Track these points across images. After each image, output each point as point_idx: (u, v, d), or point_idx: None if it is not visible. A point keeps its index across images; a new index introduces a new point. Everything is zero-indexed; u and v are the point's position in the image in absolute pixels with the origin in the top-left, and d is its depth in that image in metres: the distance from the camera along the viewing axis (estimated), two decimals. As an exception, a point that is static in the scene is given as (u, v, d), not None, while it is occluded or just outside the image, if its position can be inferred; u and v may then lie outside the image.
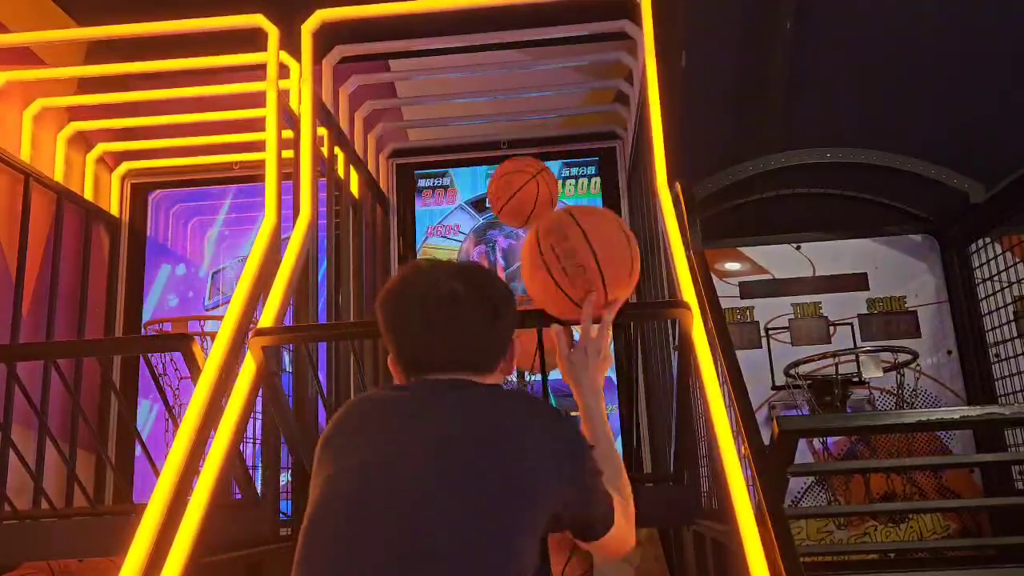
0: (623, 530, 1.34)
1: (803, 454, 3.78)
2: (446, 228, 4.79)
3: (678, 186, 2.84)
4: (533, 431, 1.22)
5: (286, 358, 3.03)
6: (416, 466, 1.16)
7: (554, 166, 4.77)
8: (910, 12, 3.97)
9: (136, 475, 4.15)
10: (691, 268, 2.44)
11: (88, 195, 4.43)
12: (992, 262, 3.73)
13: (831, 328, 3.97)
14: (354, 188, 3.98)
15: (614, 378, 4.48)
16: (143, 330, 4.48)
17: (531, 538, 1.15)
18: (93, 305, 4.40)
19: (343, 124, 3.98)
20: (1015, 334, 3.59)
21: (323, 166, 3.33)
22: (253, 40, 3.22)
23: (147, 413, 4.51)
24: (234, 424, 2.11)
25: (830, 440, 3.88)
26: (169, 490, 1.93)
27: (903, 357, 3.71)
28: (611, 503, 1.30)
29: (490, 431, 1.21)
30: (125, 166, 4.71)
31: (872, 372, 3.61)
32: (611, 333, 1.58)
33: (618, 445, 4.35)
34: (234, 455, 2.14)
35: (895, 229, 4.07)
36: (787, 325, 4.00)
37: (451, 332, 1.29)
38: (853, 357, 3.68)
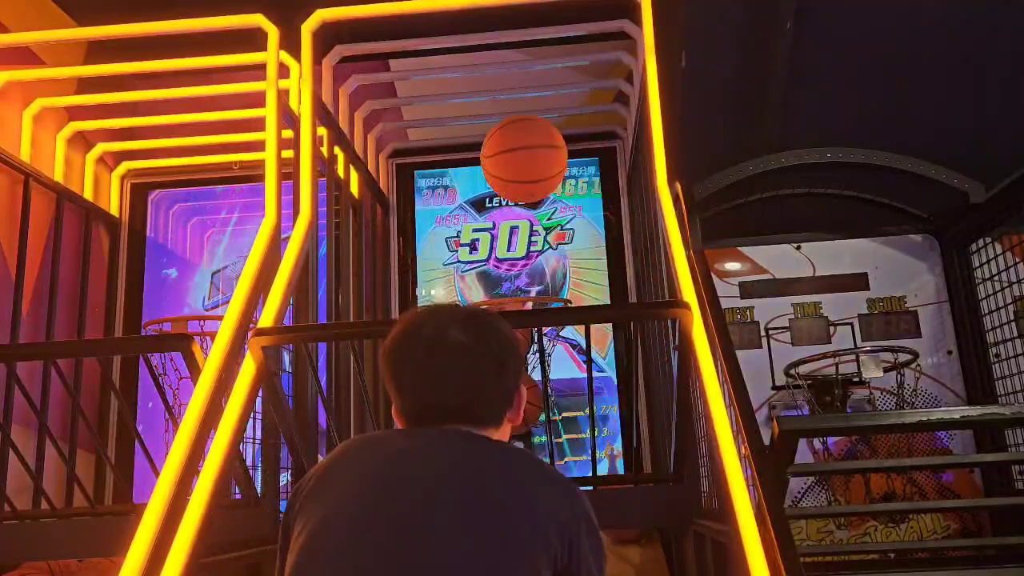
0: None
1: (803, 454, 3.78)
2: (446, 229, 4.79)
3: (678, 186, 2.84)
4: (544, 490, 1.19)
5: (286, 358, 3.03)
6: (412, 509, 1.13)
7: (554, 166, 4.77)
8: (910, 12, 3.96)
9: (136, 475, 4.14)
10: (691, 268, 2.45)
11: (88, 195, 4.43)
12: (992, 262, 3.73)
13: (831, 328, 3.97)
14: (354, 188, 3.98)
15: (614, 378, 4.48)
16: (143, 330, 4.47)
17: None
18: (93, 305, 4.40)
19: (343, 124, 3.98)
20: (1015, 334, 3.59)
21: (323, 166, 3.33)
22: (253, 40, 3.22)
23: (147, 413, 4.51)
24: (234, 424, 2.11)
25: (830, 440, 3.88)
26: (169, 490, 1.93)
27: (903, 357, 3.70)
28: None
29: (497, 490, 1.17)
30: (125, 166, 4.71)
31: (872, 372, 3.61)
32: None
33: (618, 445, 4.38)
34: (234, 455, 2.14)
35: (895, 229, 4.07)
36: (787, 325, 4.00)
37: (457, 382, 1.27)
38: (853, 357, 3.68)
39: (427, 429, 1.27)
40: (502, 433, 1.33)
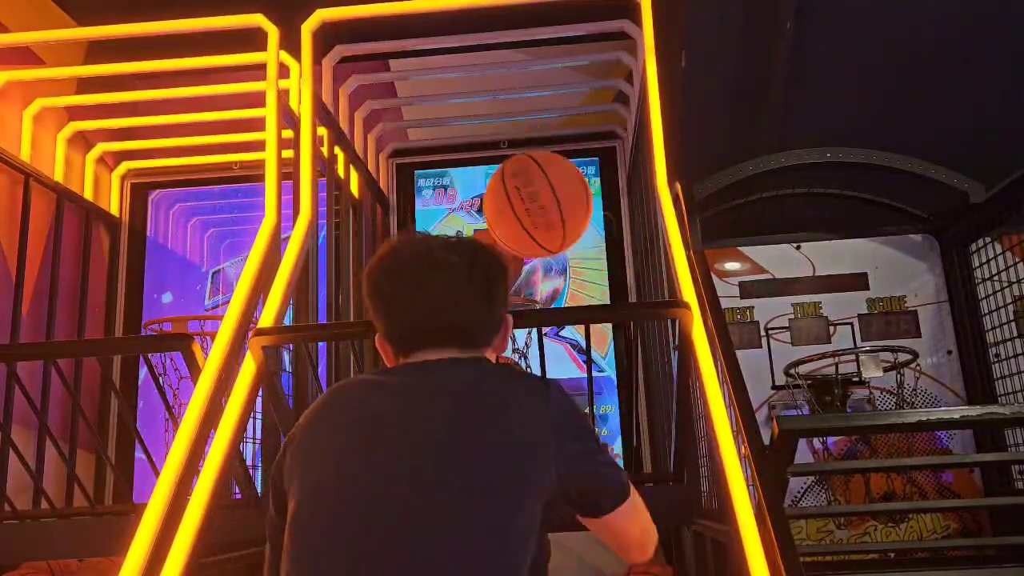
0: (641, 510, 1.27)
1: (803, 454, 3.78)
2: (446, 229, 4.79)
3: (678, 186, 2.84)
4: (528, 406, 1.18)
5: (286, 358, 3.03)
6: (405, 456, 1.13)
7: (554, 166, 4.77)
8: (910, 12, 3.96)
9: (136, 475, 4.14)
10: (691, 268, 2.44)
11: (88, 195, 4.43)
12: (992, 262, 3.73)
13: (831, 328, 3.97)
14: (354, 188, 3.98)
15: (614, 378, 4.48)
16: (143, 330, 4.48)
17: (529, 520, 1.12)
18: (93, 305, 4.39)
19: (343, 124, 3.98)
20: (1015, 334, 3.59)
21: (323, 166, 3.33)
22: (253, 40, 3.22)
23: (147, 415, 4.51)
24: (234, 424, 2.11)
25: (830, 440, 3.88)
26: (169, 490, 1.93)
27: (903, 357, 3.71)
28: (620, 478, 1.23)
29: (483, 412, 1.16)
30: (125, 166, 4.71)
31: (872, 372, 3.61)
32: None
33: (618, 445, 4.38)
34: (234, 455, 2.14)
35: (895, 229, 4.07)
36: (787, 325, 4.00)
37: (446, 303, 1.24)
38: (853, 357, 3.68)
39: (408, 367, 1.24)
40: (488, 357, 1.31)
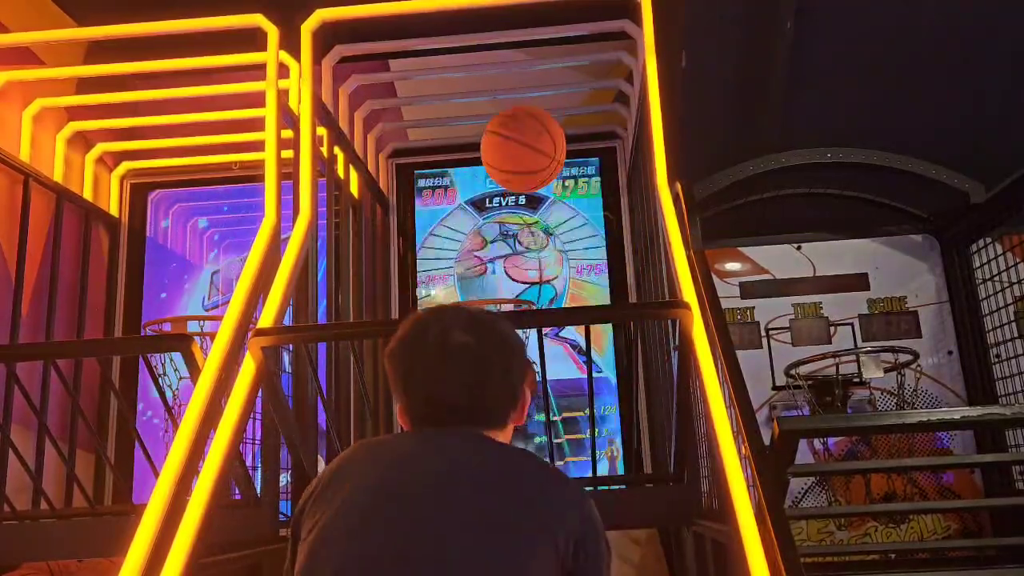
0: None
1: (803, 454, 3.78)
2: (446, 229, 4.79)
3: (678, 186, 2.84)
4: (552, 492, 1.20)
5: (286, 358, 3.03)
6: (422, 509, 1.14)
7: (554, 166, 4.77)
8: (910, 12, 3.96)
9: (136, 475, 4.14)
10: (691, 268, 2.44)
11: (88, 195, 4.43)
12: (992, 262, 3.73)
13: (831, 328, 3.97)
14: (354, 188, 3.98)
15: (613, 378, 4.48)
16: (143, 330, 4.47)
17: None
18: (93, 305, 4.39)
19: (343, 124, 3.98)
20: (1015, 334, 3.59)
21: (323, 166, 3.33)
22: (253, 40, 3.22)
23: (147, 414, 4.51)
24: (234, 424, 2.11)
25: (831, 440, 3.88)
26: (169, 490, 1.93)
27: (904, 357, 3.70)
28: None
29: (506, 481, 1.19)
30: (125, 166, 4.71)
31: (873, 372, 3.61)
32: None
33: (618, 445, 4.38)
34: (234, 455, 2.14)
35: (895, 229, 4.07)
36: (787, 325, 4.00)
37: (464, 383, 1.28)
38: (854, 357, 3.68)
39: (434, 431, 1.28)
40: (506, 435, 1.35)
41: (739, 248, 4.12)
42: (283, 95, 3.10)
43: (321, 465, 3.12)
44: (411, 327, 1.34)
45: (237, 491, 2.55)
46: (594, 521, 1.21)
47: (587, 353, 3.25)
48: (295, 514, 1.25)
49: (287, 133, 3.05)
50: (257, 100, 3.57)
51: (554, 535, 1.14)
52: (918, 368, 3.84)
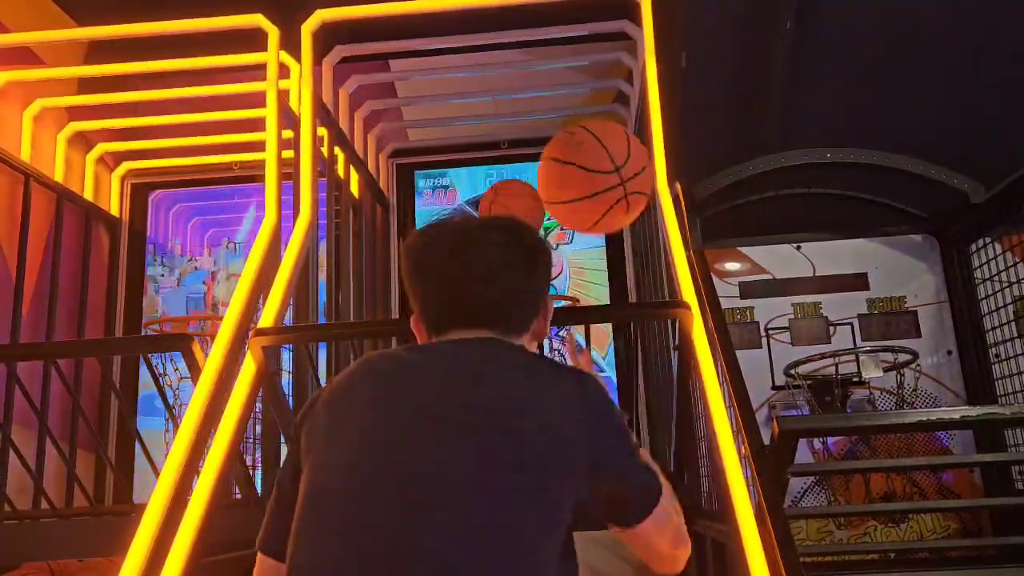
0: (675, 521, 1.17)
1: (803, 454, 3.78)
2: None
3: (678, 186, 2.84)
4: (561, 399, 1.11)
5: (286, 358, 3.03)
6: (428, 439, 1.07)
7: (554, 166, 4.77)
8: (910, 12, 3.97)
9: (136, 475, 4.15)
10: (691, 268, 2.44)
11: (88, 195, 4.43)
12: (992, 262, 3.72)
13: (831, 328, 3.97)
14: (354, 188, 3.98)
15: (614, 378, 4.48)
16: (143, 330, 4.48)
17: (558, 520, 1.06)
18: (93, 305, 4.39)
19: (343, 124, 3.98)
20: (1015, 334, 3.59)
21: (323, 166, 3.33)
22: (253, 40, 3.22)
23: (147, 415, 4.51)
24: (234, 424, 2.12)
25: (830, 440, 3.88)
26: (169, 490, 1.93)
27: (903, 357, 3.70)
28: (655, 480, 1.14)
29: (507, 401, 1.10)
30: (125, 166, 4.71)
31: (872, 372, 3.61)
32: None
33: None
34: (234, 455, 2.15)
35: (895, 229, 4.07)
36: (787, 325, 4.00)
37: (486, 281, 1.18)
38: (853, 357, 3.68)
39: (448, 343, 1.19)
40: (525, 343, 1.24)
41: (739, 248, 4.12)
42: (283, 95, 3.10)
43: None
44: (433, 222, 1.26)
45: (237, 491, 2.56)
46: (610, 418, 1.13)
47: (587, 353, 3.24)
48: (296, 422, 1.19)
49: (287, 133, 3.05)
50: (257, 100, 3.57)
51: (572, 467, 1.07)
52: (917, 368, 3.84)
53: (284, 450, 2.66)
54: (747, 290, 4.07)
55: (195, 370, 2.29)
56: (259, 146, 3.97)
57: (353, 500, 1.06)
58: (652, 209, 3.13)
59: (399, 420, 1.10)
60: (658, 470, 1.17)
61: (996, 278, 3.69)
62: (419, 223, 4.77)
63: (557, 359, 4.46)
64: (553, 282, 4.64)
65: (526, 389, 1.13)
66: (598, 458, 1.09)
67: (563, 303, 4.54)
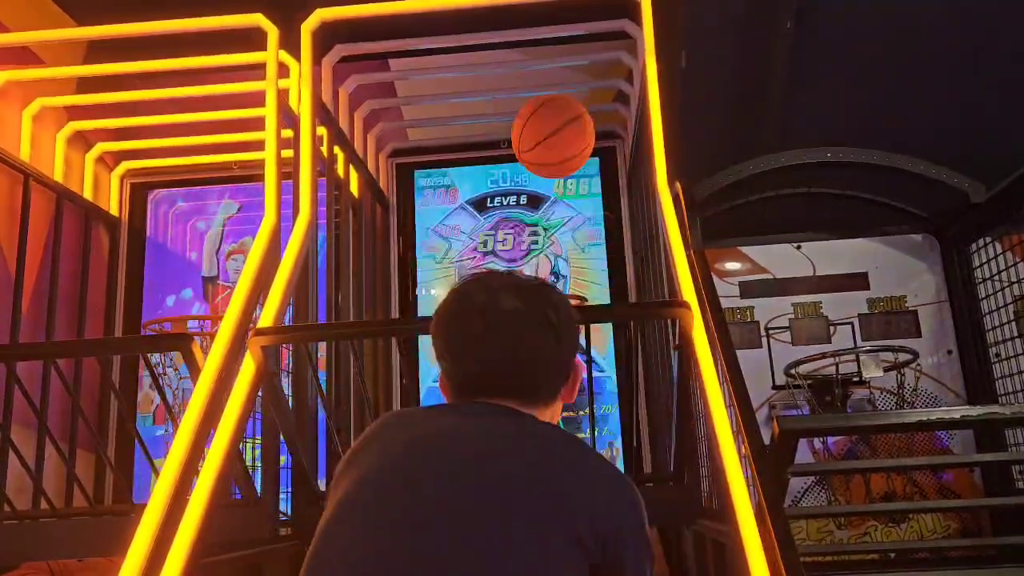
0: None
1: (803, 454, 3.78)
2: (447, 229, 4.79)
3: (678, 186, 2.84)
4: (583, 482, 1.11)
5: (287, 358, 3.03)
6: (439, 493, 1.08)
7: (554, 166, 4.77)
8: (910, 12, 3.96)
9: (136, 475, 4.15)
10: (691, 268, 2.45)
11: (88, 195, 4.43)
12: (992, 262, 3.72)
13: (831, 328, 3.97)
14: (354, 188, 3.98)
15: (614, 377, 4.48)
16: (143, 330, 4.48)
17: None
18: (93, 305, 4.39)
19: (343, 124, 3.98)
20: (1015, 334, 3.59)
21: (323, 166, 3.33)
22: (253, 39, 3.22)
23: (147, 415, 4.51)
24: (234, 424, 2.11)
25: (830, 440, 3.88)
26: (169, 490, 1.93)
27: (903, 357, 3.70)
28: None
29: (534, 469, 1.10)
30: (124, 166, 4.71)
31: (872, 372, 3.61)
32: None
33: (618, 445, 4.38)
34: (234, 455, 2.14)
35: (895, 229, 4.07)
36: (787, 325, 4.00)
37: (512, 351, 1.20)
38: (853, 357, 3.68)
39: (471, 406, 1.21)
40: (554, 410, 1.26)
41: (739, 248, 4.12)
42: (283, 95, 3.10)
43: (321, 465, 3.12)
44: (456, 294, 1.26)
45: (237, 491, 2.56)
46: (630, 517, 1.12)
47: (587, 353, 3.24)
48: (331, 481, 1.21)
49: (287, 133, 3.05)
50: (257, 100, 3.56)
51: (575, 533, 1.06)
52: (918, 367, 3.84)
53: (284, 450, 2.67)
54: (747, 290, 4.06)
55: (195, 370, 2.29)
56: (259, 146, 3.97)
57: (368, 553, 1.06)
58: (652, 209, 3.13)
59: (416, 480, 1.10)
60: None
61: (996, 278, 3.69)
62: (419, 223, 4.78)
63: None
64: (552, 285, 4.65)
65: (564, 469, 1.12)
66: (611, 558, 1.09)
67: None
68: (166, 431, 4.31)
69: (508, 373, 1.21)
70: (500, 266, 4.70)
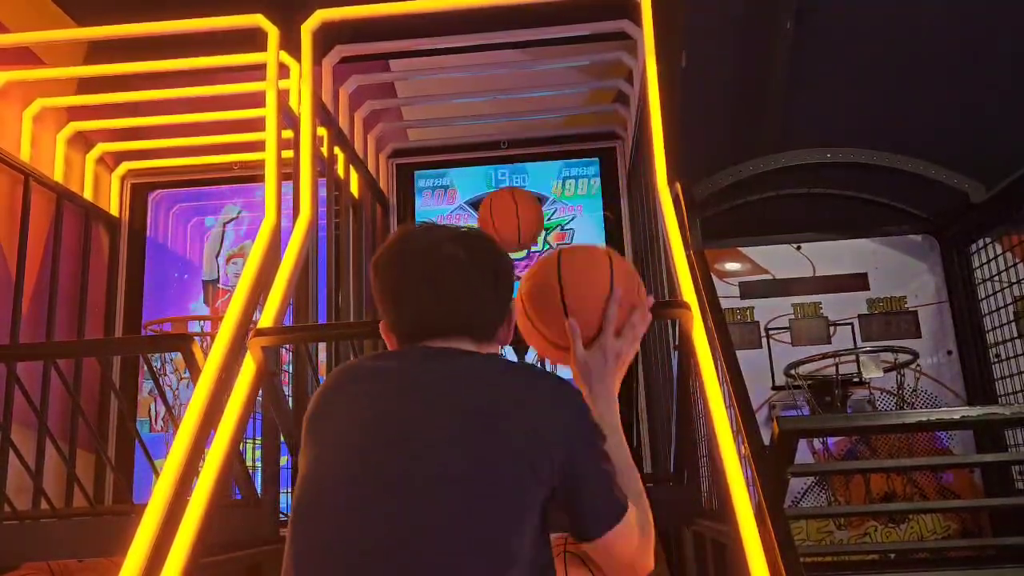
0: (635, 540, 1.23)
1: (803, 454, 3.78)
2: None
3: (678, 186, 2.84)
4: (535, 403, 1.17)
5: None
6: (408, 441, 1.13)
7: (554, 166, 4.78)
8: (910, 12, 3.96)
9: (136, 475, 4.14)
10: (691, 268, 2.44)
11: (88, 195, 4.43)
12: (992, 262, 3.73)
13: (831, 328, 3.97)
14: (354, 188, 3.98)
15: (614, 378, 4.47)
16: (143, 330, 4.48)
17: (532, 519, 1.11)
18: (93, 305, 4.39)
19: (343, 124, 3.98)
20: (1015, 334, 3.59)
21: (323, 166, 3.33)
22: (253, 40, 3.22)
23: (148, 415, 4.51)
24: (234, 424, 2.11)
25: (830, 440, 3.88)
26: (169, 490, 1.93)
27: (903, 357, 3.70)
28: (618, 498, 1.20)
29: (488, 404, 1.16)
30: (125, 166, 4.71)
31: (872, 372, 3.61)
32: (638, 345, 1.43)
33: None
34: (234, 455, 2.14)
35: (895, 229, 4.07)
36: (787, 325, 4.00)
37: (452, 295, 1.25)
38: (853, 357, 3.68)
39: (419, 350, 1.25)
40: (493, 349, 1.32)
41: (739, 248, 4.12)
42: (283, 95, 3.10)
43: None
44: (398, 238, 1.31)
45: (237, 491, 2.56)
46: (578, 429, 1.17)
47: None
48: (308, 413, 1.26)
49: (287, 133, 3.05)
50: (257, 100, 3.57)
51: (533, 464, 1.12)
52: (917, 368, 3.84)
53: (284, 450, 2.67)
54: (747, 290, 4.07)
55: (195, 370, 2.29)
56: (259, 146, 3.96)
57: (341, 519, 1.13)
58: (652, 209, 3.13)
59: (381, 435, 1.16)
60: (621, 492, 1.22)
61: (996, 278, 3.69)
62: (419, 223, 4.77)
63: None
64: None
65: (507, 393, 1.19)
66: (573, 463, 1.15)
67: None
68: (166, 431, 4.31)
69: (447, 318, 1.25)
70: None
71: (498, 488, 1.10)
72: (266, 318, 2.42)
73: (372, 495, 1.11)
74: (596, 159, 4.78)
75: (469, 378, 1.20)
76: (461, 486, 1.09)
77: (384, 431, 1.16)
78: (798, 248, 4.10)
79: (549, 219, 4.74)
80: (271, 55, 3.11)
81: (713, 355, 2.15)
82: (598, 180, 4.76)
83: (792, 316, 4.02)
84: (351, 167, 3.90)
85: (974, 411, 1.93)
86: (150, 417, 4.49)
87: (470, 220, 4.77)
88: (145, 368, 3.94)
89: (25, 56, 3.95)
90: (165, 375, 4.28)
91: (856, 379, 3.68)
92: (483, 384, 1.20)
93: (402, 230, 1.34)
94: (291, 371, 2.92)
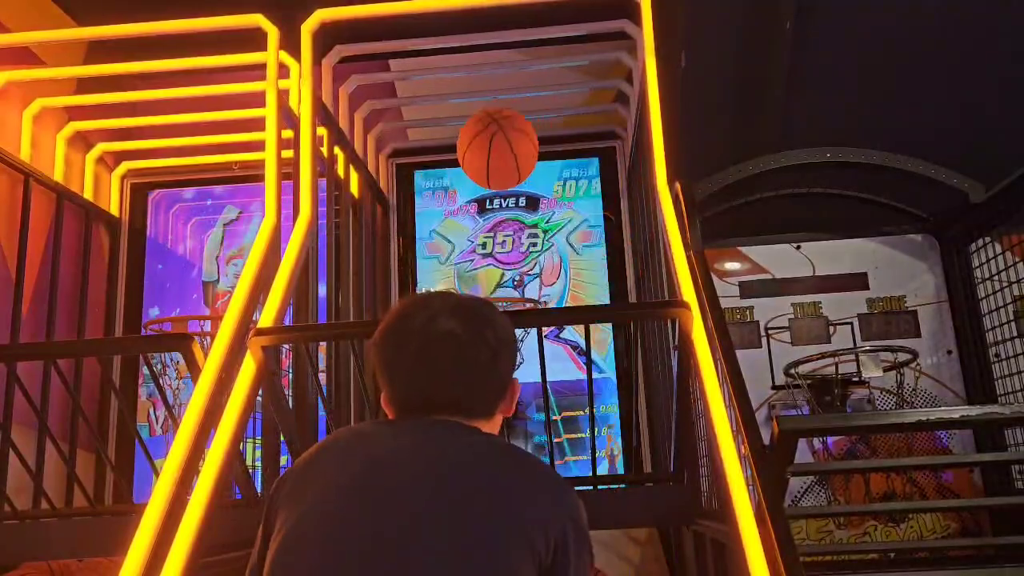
0: None
1: (803, 454, 3.78)
2: (446, 229, 4.79)
3: (678, 186, 2.84)
4: (531, 493, 1.16)
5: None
6: (392, 510, 1.11)
7: (554, 166, 4.77)
8: (910, 12, 3.96)
9: (136, 475, 4.15)
10: (691, 268, 2.45)
11: (88, 195, 4.43)
12: (992, 262, 3.73)
13: (831, 328, 3.97)
14: (354, 188, 3.98)
15: (613, 378, 4.48)
16: (143, 330, 4.48)
17: None
18: (93, 305, 4.39)
19: (343, 124, 3.98)
20: (1015, 334, 3.59)
21: (323, 166, 3.33)
22: (253, 40, 3.22)
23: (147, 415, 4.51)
24: (234, 424, 2.12)
25: (830, 440, 3.88)
26: (169, 490, 1.93)
27: (903, 357, 3.71)
28: None
29: (483, 482, 1.14)
30: (125, 166, 4.71)
31: (872, 372, 3.61)
32: None
33: (618, 445, 4.38)
34: (234, 455, 2.15)
35: (895, 229, 4.07)
36: (787, 325, 4.00)
37: (447, 374, 1.24)
38: (853, 357, 3.68)
39: (416, 422, 1.23)
40: (493, 424, 1.30)
41: (739, 248, 4.13)
42: (283, 95, 3.10)
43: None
44: (397, 315, 1.29)
45: (238, 491, 2.56)
46: (575, 523, 1.16)
47: (587, 353, 3.25)
48: (267, 503, 1.21)
49: (287, 133, 3.05)
50: (257, 100, 3.57)
51: (530, 542, 1.10)
52: (917, 367, 3.85)
53: (284, 450, 2.67)
54: (747, 290, 4.07)
55: (195, 370, 2.29)
56: (259, 146, 3.97)
57: (324, 564, 1.09)
58: (652, 209, 3.13)
59: (369, 503, 1.13)
60: None
61: (996, 278, 3.69)
62: (419, 223, 4.78)
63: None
64: (553, 286, 4.65)
65: (505, 480, 1.17)
66: (559, 565, 1.13)
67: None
68: (166, 431, 4.31)
69: (446, 395, 1.24)
70: (500, 266, 4.70)
71: (487, 570, 1.08)
72: (266, 318, 2.42)
73: (351, 562, 1.08)
74: (596, 159, 4.78)
75: (465, 459, 1.18)
76: (445, 565, 1.07)
77: (369, 496, 1.13)
78: (798, 248, 4.11)
79: (549, 220, 4.75)
80: (271, 55, 3.11)
81: (713, 355, 2.15)
82: (598, 180, 4.76)
83: (792, 316, 4.02)
84: (351, 167, 3.90)
85: (974, 411, 1.93)
86: (148, 423, 4.50)
87: (470, 219, 4.77)
88: (145, 369, 3.94)
89: (25, 56, 3.95)
90: (166, 375, 4.28)
91: (856, 378, 3.68)
92: (479, 469, 1.17)
93: (399, 306, 1.31)
94: (291, 373, 2.93)
